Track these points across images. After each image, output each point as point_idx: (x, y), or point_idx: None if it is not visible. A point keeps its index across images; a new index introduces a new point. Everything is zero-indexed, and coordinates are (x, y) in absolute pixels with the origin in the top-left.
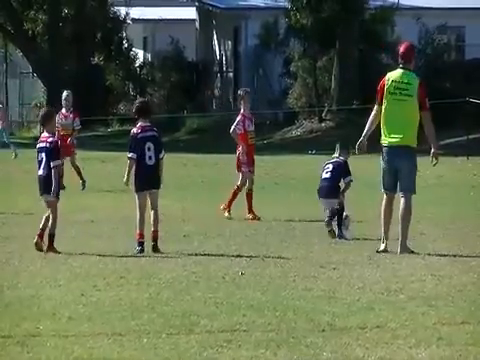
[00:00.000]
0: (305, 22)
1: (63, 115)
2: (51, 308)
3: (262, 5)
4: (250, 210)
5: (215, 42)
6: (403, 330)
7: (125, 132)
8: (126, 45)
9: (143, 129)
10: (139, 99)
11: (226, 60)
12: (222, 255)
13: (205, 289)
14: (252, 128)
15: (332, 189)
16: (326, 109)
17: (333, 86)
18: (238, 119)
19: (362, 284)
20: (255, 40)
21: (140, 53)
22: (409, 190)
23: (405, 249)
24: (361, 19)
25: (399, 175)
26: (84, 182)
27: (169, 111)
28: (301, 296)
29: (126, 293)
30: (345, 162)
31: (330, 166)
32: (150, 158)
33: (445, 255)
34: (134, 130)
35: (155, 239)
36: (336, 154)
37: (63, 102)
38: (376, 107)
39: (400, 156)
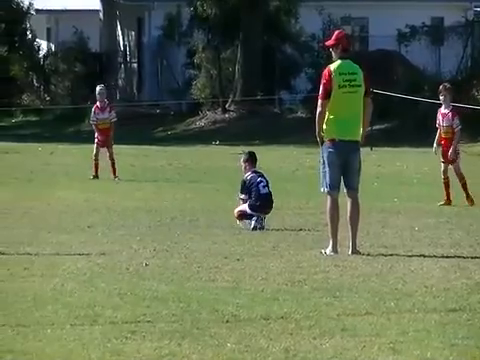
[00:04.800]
0: (210, 12)
1: (98, 108)
2: None
3: None
4: (448, 196)
5: (119, 33)
6: (307, 321)
7: (29, 123)
8: (30, 36)
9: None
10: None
11: (130, 51)
12: (126, 246)
13: (109, 280)
14: (444, 124)
15: None
16: (230, 100)
17: (237, 77)
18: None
19: (266, 275)
20: (158, 31)
21: (44, 44)
22: (357, 189)
23: (356, 250)
24: (265, 10)
25: (347, 173)
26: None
27: (73, 102)
28: (205, 287)
29: (30, 284)
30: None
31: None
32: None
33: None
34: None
35: None
36: None
37: (97, 96)
38: (321, 103)
39: (352, 152)
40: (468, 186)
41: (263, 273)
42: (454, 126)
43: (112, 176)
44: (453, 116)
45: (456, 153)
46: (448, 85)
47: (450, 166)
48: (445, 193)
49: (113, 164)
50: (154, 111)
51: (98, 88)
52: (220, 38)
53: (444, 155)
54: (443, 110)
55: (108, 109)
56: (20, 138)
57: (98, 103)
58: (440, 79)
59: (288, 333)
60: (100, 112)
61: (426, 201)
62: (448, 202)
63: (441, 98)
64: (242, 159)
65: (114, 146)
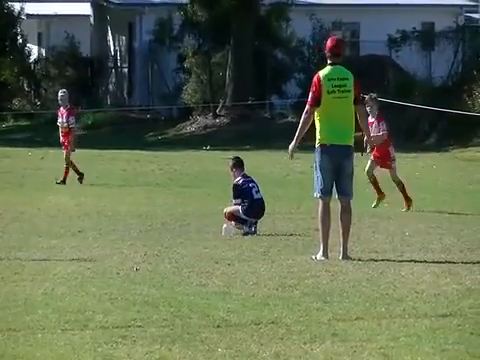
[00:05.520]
0: (201, 16)
1: (61, 113)
2: None
3: (156, 1)
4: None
5: (110, 37)
6: (298, 326)
7: (20, 127)
8: (20, 41)
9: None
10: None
11: (120, 56)
12: (117, 251)
13: (100, 285)
14: (372, 133)
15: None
16: (221, 105)
17: (227, 82)
18: None
19: (257, 280)
20: (149, 36)
21: (34, 49)
22: (351, 195)
23: (347, 255)
24: (256, 15)
25: (339, 178)
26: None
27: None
28: (196, 292)
29: (21, 289)
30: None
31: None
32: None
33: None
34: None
35: None
36: None
37: (59, 101)
38: (309, 109)
39: (344, 157)
40: (406, 188)
41: (254, 278)
42: (380, 131)
43: (60, 178)
44: (379, 122)
45: (392, 159)
46: (374, 95)
47: (388, 174)
48: (376, 190)
49: (67, 168)
50: (145, 116)
51: (60, 93)
52: (211, 43)
53: (380, 163)
54: (370, 119)
55: (66, 114)
56: (11, 142)
57: (61, 108)
58: (431, 84)
59: (279, 338)
60: (61, 116)
61: (417, 206)
62: (382, 196)
63: (368, 109)
64: (229, 166)
65: (107, 151)
